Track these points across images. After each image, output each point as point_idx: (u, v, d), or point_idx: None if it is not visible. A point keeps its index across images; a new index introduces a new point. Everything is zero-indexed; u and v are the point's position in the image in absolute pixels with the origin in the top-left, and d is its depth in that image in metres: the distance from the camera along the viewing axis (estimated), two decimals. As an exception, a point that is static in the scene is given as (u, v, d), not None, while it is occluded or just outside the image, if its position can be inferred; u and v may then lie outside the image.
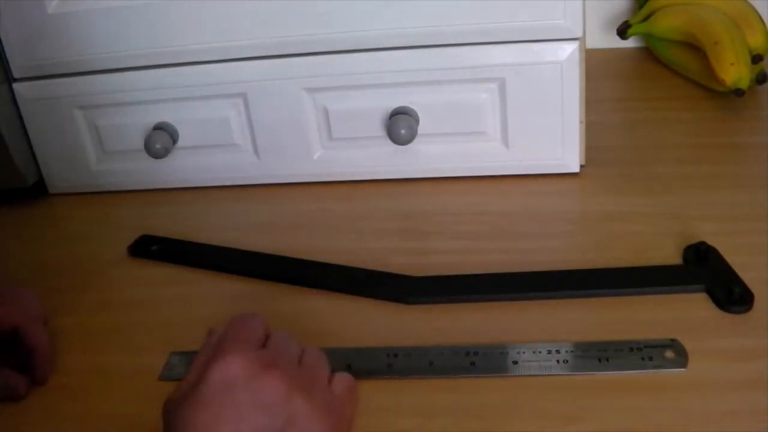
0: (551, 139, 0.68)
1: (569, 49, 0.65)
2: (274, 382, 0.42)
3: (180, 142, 0.73)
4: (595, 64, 0.72)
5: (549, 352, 0.50)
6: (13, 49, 0.71)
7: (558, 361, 0.50)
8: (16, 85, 0.72)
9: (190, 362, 0.46)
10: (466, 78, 0.67)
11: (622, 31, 0.88)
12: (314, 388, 0.44)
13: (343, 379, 0.47)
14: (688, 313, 0.53)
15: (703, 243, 0.57)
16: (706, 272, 0.55)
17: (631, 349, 0.50)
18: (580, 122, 0.67)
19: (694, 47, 0.81)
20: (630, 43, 0.91)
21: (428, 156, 0.70)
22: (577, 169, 0.69)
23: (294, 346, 0.46)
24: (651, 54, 0.91)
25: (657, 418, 0.45)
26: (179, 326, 0.57)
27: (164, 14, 0.68)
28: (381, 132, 0.69)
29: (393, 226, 0.66)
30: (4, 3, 0.68)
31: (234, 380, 0.41)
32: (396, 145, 0.68)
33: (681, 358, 0.49)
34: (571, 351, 0.50)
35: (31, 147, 0.75)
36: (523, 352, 0.51)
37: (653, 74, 0.87)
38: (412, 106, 0.68)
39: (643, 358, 0.49)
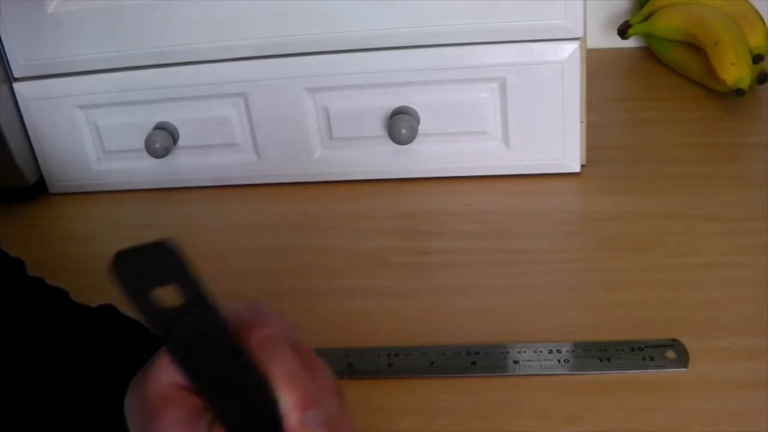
0: (552, 138, 0.68)
1: (570, 49, 0.64)
2: None
3: (180, 142, 0.73)
4: (595, 64, 0.72)
5: (550, 351, 0.50)
6: (14, 48, 0.70)
7: (559, 361, 0.50)
8: (16, 85, 0.72)
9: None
10: (467, 78, 0.67)
11: (623, 31, 0.88)
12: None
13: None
14: (689, 313, 0.53)
15: None
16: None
17: (632, 349, 0.50)
18: (581, 122, 0.67)
19: (694, 47, 0.81)
20: (630, 43, 0.91)
21: (429, 156, 0.70)
22: (577, 169, 0.69)
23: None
24: (651, 54, 0.91)
25: (657, 418, 0.45)
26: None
27: (164, 14, 0.68)
28: (381, 132, 0.69)
29: (393, 226, 0.66)
30: (4, 3, 0.68)
31: None
32: (396, 145, 0.68)
33: (682, 358, 0.49)
34: (572, 351, 0.50)
35: (31, 146, 0.75)
36: (524, 352, 0.51)
37: (654, 74, 0.87)
38: (412, 106, 0.68)
39: (644, 358, 0.49)
